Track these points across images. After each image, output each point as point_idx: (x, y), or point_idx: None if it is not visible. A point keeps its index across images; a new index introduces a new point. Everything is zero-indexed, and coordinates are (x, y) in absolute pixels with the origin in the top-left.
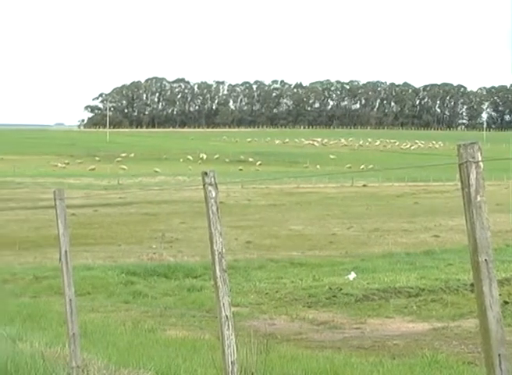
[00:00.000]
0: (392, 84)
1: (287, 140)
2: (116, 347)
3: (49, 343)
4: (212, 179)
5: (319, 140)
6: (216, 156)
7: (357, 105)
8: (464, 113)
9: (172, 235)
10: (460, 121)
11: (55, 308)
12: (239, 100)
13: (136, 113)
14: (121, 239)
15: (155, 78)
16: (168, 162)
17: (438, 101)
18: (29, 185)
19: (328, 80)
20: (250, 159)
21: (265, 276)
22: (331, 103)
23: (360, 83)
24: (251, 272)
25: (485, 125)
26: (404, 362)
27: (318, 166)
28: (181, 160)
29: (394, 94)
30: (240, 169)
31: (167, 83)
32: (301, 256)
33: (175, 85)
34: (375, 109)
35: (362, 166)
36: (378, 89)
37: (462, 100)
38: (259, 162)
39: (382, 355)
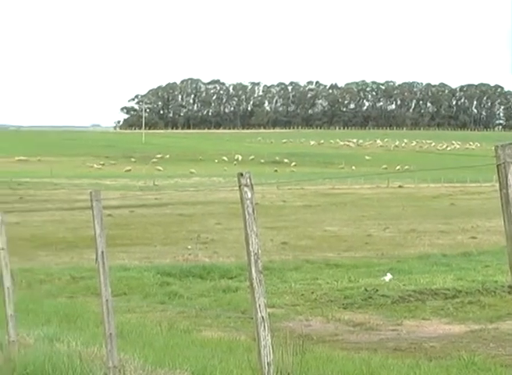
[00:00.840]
0: (429, 85)
1: (322, 141)
2: (152, 347)
3: (86, 343)
4: (248, 180)
5: (354, 141)
6: (251, 157)
7: (393, 106)
8: (501, 114)
9: (208, 236)
10: (498, 122)
11: (92, 308)
12: (274, 101)
13: (171, 114)
14: (157, 240)
15: (190, 79)
16: (203, 163)
17: (475, 102)
18: (66, 186)
19: (363, 81)
20: (286, 160)
21: (301, 278)
22: (366, 104)
23: (396, 84)
24: (287, 273)
25: None
26: (441, 364)
27: (353, 167)
28: (216, 161)
29: (430, 94)
30: (275, 170)
31: (202, 85)
32: (337, 257)
33: (210, 86)
34: (411, 110)
35: (398, 167)
36: (414, 89)
37: (499, 100)
38: (294, 163)
39: (418, 357)
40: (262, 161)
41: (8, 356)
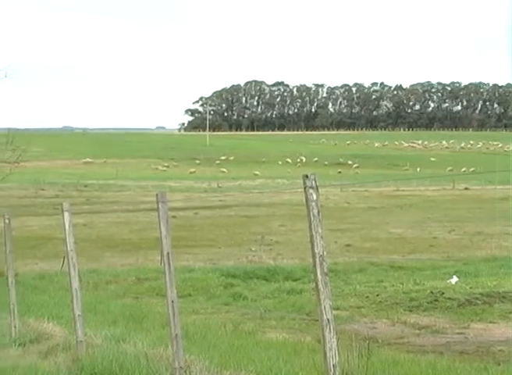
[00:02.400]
0: (495, 85)
1: (387, 142)
2: (217, 348)
3: (152, 344)
4: (313, 182)
5: (420, 142)
6: (315, 159)
7: (459, 107)
8: None
9: (272, 238)
10: None
11: (157, 309)
12: (338, 103)
13: (235, 116)
14: (221, 241)
15: (254, 81)
16: (267, 165)
17: None
18: (131, 188)
19: (428, 82)
20: (350, 162)
21: (365, 280)
22: (432, 105)
23: (462, 85)
24: (351, 275)
25: None
26: (510, 369)
27: (418, 169)
28: (280, 163)
29: (497, 95)
30: (339, 172)
31: (266, 87)
32: (402, 260)
33: (274, 88)
34: (477, 111)
35: (464, 169)
36: (481, 90)
37: None
38: (356, 165)
39: (486, 361)
40: (326, 163)
41: (76, 356)
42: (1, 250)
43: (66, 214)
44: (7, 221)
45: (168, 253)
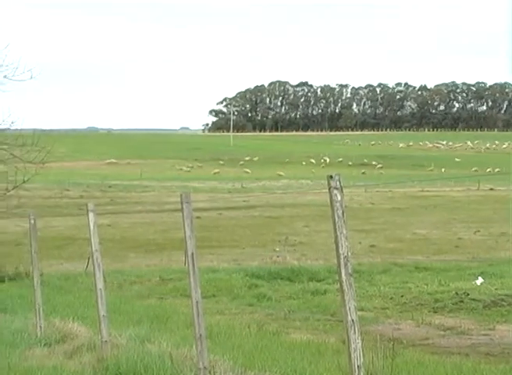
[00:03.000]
0: None
1: (411, 143)
2: (241, 349)
3: (176, 344)
4: (338, 182)
5: (444, 143)
6: (339, 159)
7: (484, 107)
8: None
9: (296, 238)
10: None
11: (181, 309)
12: (362, 103)
13: (259, 117)
14: (245, 242)
15: (278, 82)
16: (291, 166)
17: None
18: (155, 188)
19: (453, 82)
20: (374, 162)
21: (390, 281)
22: (456, 105)
23: (487, 85)
24: (375, 276)
25: None
26: None
27: (443, 170)
28: (304, 163)
29: None
30: (363, 173)
31: (290, 87)
32: (426, 260)
33: (298, 89)
34: (503, 111)
35: (489, 169)
36: (506, 90)
37: None
38: (380, 165)
39: (511, 363)
40: (350, 163)
41: (101, 356)
42: (26, 250)
43: (91, 214)
44: (32, 222)
45: (192, 253)
